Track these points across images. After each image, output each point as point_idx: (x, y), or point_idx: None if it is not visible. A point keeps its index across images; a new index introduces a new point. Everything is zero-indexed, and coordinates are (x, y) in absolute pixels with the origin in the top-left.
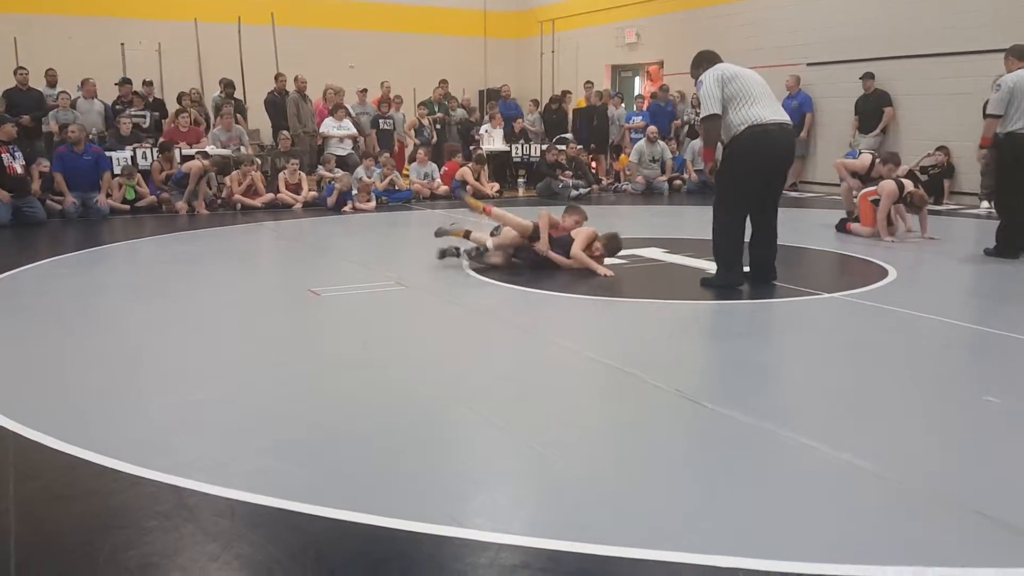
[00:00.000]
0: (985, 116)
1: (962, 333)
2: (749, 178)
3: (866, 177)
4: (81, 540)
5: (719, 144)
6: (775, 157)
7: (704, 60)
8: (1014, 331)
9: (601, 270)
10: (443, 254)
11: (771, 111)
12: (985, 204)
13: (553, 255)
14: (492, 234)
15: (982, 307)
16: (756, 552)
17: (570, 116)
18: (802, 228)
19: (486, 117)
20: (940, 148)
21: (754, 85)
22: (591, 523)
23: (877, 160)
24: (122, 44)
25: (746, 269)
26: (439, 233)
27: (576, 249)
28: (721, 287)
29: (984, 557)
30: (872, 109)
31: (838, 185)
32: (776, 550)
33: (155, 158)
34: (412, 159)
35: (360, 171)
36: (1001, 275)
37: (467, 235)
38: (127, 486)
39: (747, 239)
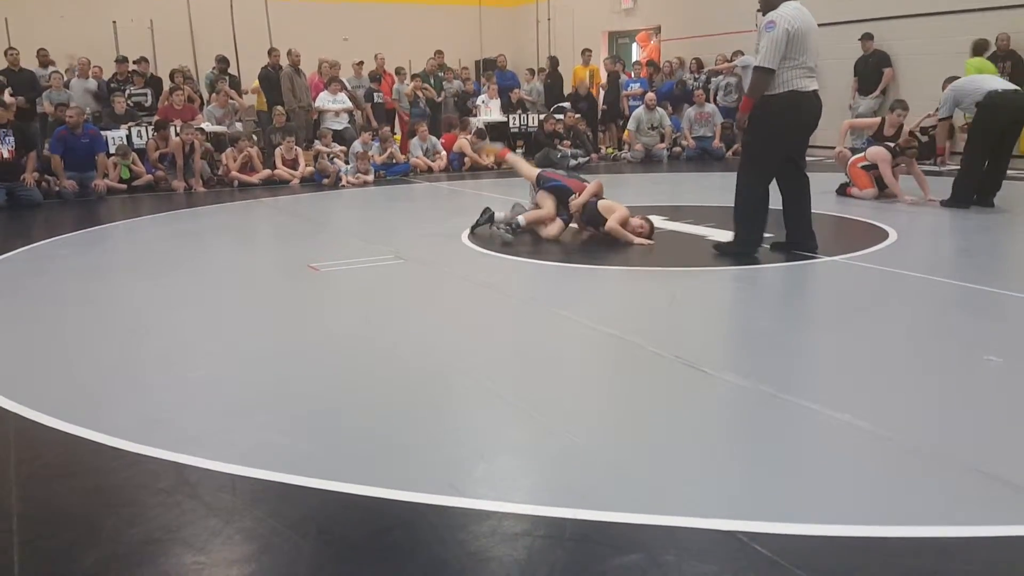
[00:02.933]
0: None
1: (963, 293)
2: (779, 142)
3: (879, 136)
4: (84, 517)
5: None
6: (807, 123)
7: None
8: (1015, 290)
9: (639, 240)
10: (480, 223)
11: (812, 79)
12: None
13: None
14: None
15: (983, 267)
16: (756, 515)
17: (567, 84)
18: None
19: (482, 88)
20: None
21: (809, 47)
22: (592, 490)
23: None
24: (114, 22)
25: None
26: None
27: (613, 224)
28: (737, 253)
29: (984, 515)
30: (871, 70)
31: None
32: (776, 512)
33: (151, 136)
34: (412, 134)
35: (357, 145)
36: (1000, 234)
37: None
38: (128, 463)
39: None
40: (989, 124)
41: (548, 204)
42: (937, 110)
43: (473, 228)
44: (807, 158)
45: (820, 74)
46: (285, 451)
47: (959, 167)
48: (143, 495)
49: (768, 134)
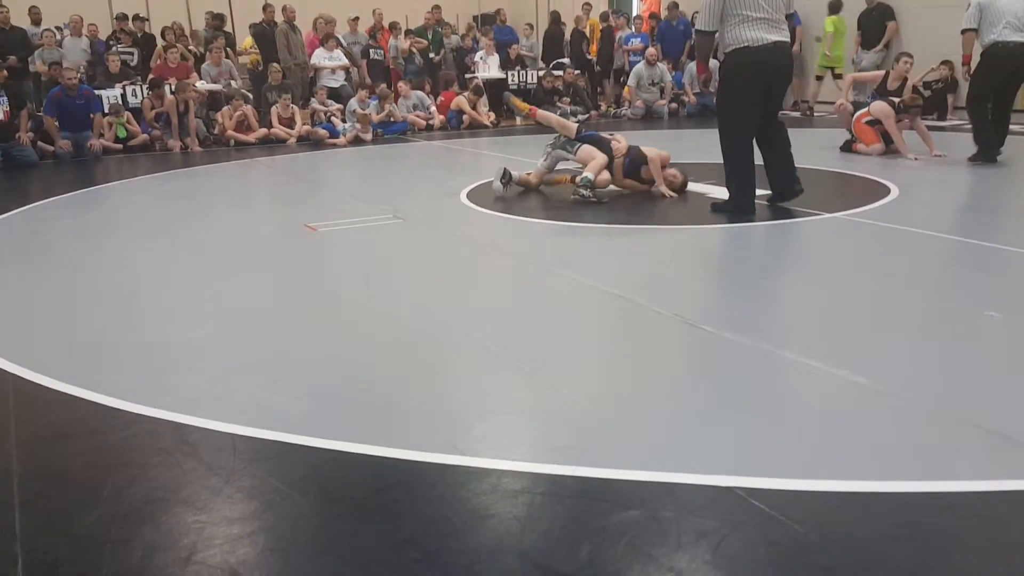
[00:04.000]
0: (961, 32)
1: (964, 249)
2: (743, 98)
3: (883, 89)
4: (84, 478)
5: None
6: (767, 75)
7: None
8: (1016, 245)
9: (664, 189)
10: (503, 182)
11: (767, 30)
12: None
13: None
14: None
15: (984, 222)
16: (754, 471)
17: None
18: (802, 148)
19: (480, 44)
20: (944, 62)
21: (751, 1)
22: (592, 447)
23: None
24: None
25: (763, 194)
26: (504, 181)
27: (654, 154)
28: (732, 212)
29: (982, 470)
30: (875, 24)
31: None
32: (774, 468)
33: (145, 95)
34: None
35: (353, 103)
36: (1003, 189)
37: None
38: (128, 424)
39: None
40: (989, 74)
41: (595, 152)
42: (942, 64)
43: (501, 182)
44: (800, 111)
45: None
46: (285, 411)
47: (971, 123)
48: (143, 455)
49: (732, 92)
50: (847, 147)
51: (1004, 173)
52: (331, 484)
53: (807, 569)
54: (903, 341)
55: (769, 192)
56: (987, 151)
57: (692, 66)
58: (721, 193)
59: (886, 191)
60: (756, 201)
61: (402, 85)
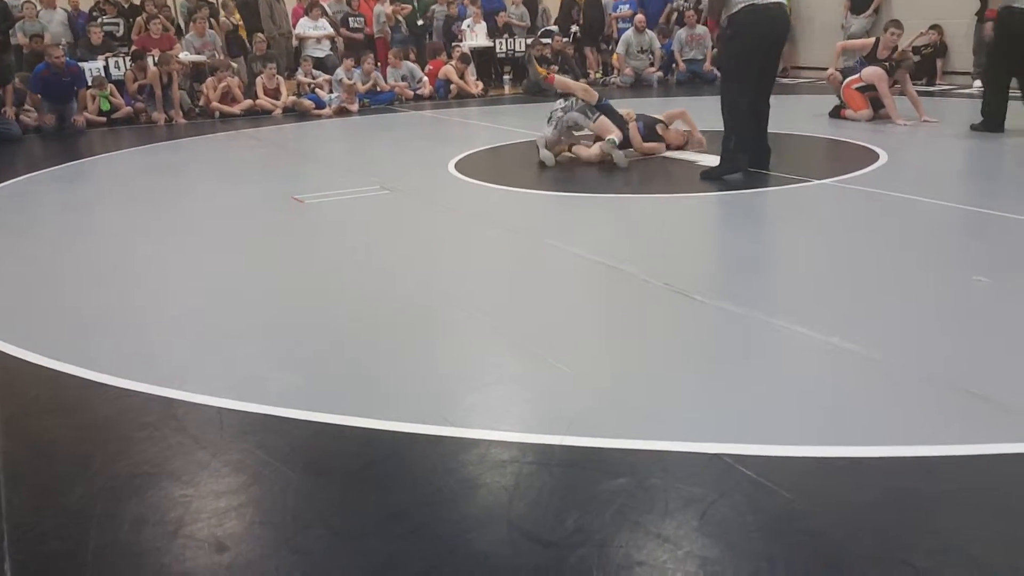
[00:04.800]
0: None
1: (951, 214)
2: (749, 57)
3: (872, 57)
4: (70, 452)
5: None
6: (771, 32)
7: None
8: (1003, 210)
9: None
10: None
11: None
12: (978, 83)
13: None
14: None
15: (971, 187)
16: (742, 438)
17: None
18: (792, 114)
19: (467, 12)
20: (933, 27)
21: None
22: (581, 416)
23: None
24: None
25: None
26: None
27: (675, 111)
28: (725, 171)
29: (973, 434)
30: None
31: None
32: (762, 435)
33: (128, 67)
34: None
35: (340, 72)
36: (990, 154)
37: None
38: (114, 398)
39: None
40: (1002, 43)
41: (611, 125)
42: (931, 28)
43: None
44: (796, 80)
45: None
46: (273, 384)
47: (983, 88)
48: (129, 429)
49: (737, 51)
50: (836, 113)
51: (994, 138)
52: (319, 457)
53: (793, 535)
54: (893, 307)
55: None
56: (992, 123)
57: (681, 33)
58: (709, 160)
59: (875, 157)
60: (762, 170)
61: (391, 56)
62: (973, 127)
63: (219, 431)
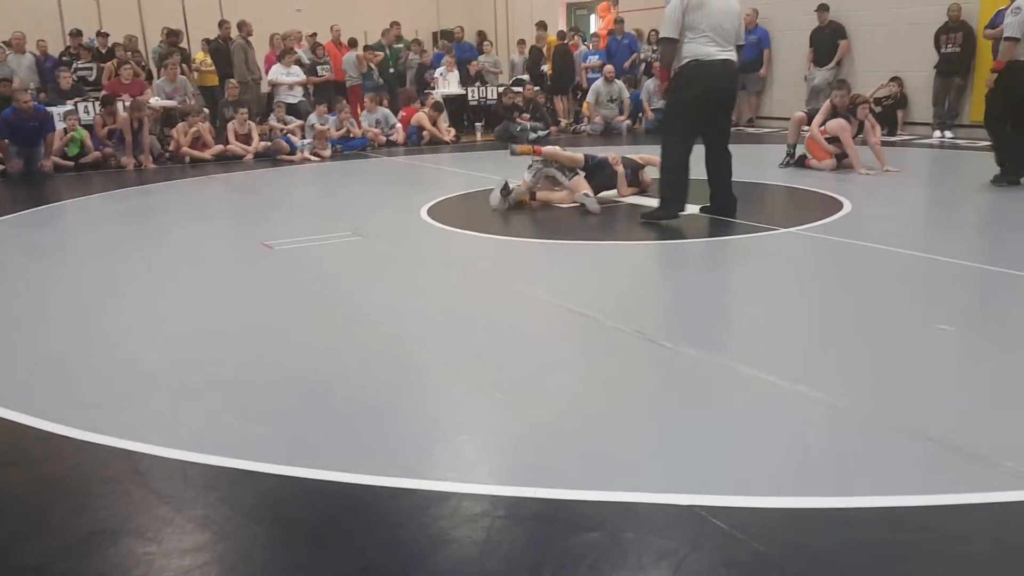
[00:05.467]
0: (1005, 39)
1: (914, 263)
2: (690, 110)
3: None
4: (29, 508)
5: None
6: (715, 91)
7: None
8: (966, 259)
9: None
10: (504, 195)
11: (719, 48)
12: (938, 133)
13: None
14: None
15: (934, 236)
16: (714, 489)
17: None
18: (758, 163)
19: (441, 60)
20: (893, 79)
21: (711, 20)
22: (553, 468)
23: (832, 99)
24: None
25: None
26: (504, 193)
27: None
28: (660, 219)
29: (941, 484)
30: (827, 42)
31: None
32: (734, 486)
33: (97, 112)
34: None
35: (313, 118)
36: (953, 204)
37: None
38: (75, 451)
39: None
40: (1007, 91)
41: (581, 183)
42: (891, 80)
43: (501, 194)
44: (761, 129)
45: (776, 45)
46: (238, 435)
47: (990, 142)
48: (91, 484)
49: (679, 103)
50: (800, 162)
51: (957, 187)
52: (286, 511)
53: None
54: (859, 355)
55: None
56: (1011, 174)
57: (650, 83)
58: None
59: (839, 206)
60: (728, 218)
61: (368, 100)
62: (993, 181)
63: (183, 485)
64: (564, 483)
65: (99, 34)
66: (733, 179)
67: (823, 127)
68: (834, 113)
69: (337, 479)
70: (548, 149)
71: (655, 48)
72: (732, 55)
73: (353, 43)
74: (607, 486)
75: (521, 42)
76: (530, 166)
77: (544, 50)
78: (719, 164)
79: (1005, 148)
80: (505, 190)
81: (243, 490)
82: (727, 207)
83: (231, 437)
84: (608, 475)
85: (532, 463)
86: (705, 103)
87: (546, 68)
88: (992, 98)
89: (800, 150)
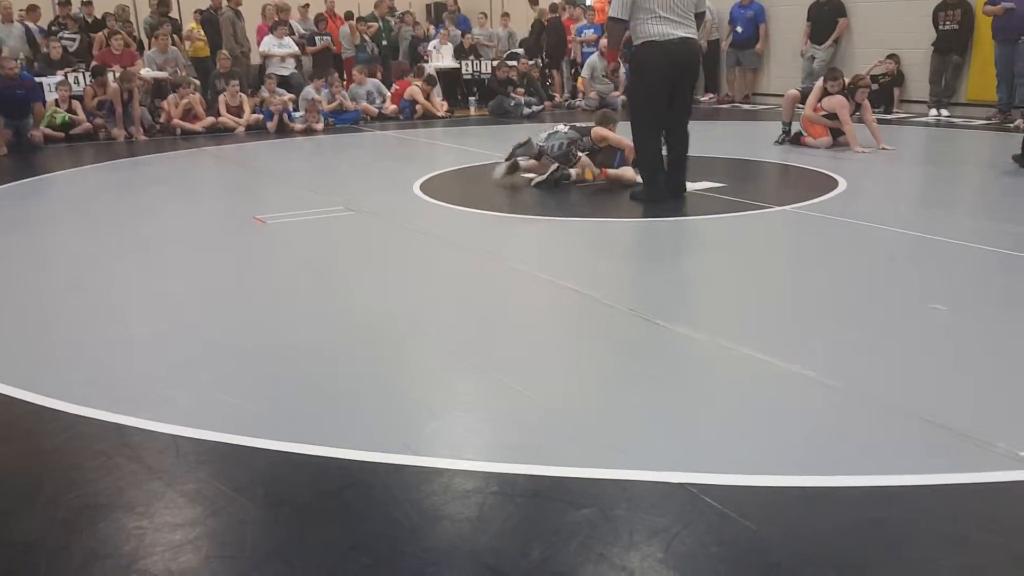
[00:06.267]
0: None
1: (909, 242)
2: (651, 91)
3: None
4: (19, 483)
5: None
6: (673, 68)
7: None
8: (960, 238)
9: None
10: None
11: (674, 26)
12: (934, 112)
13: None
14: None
15: (929, 215)
16: (706, 467)
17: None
18: (754, 140)
19: (434, 32)
20: (890, 56)
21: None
22: (545, 445)
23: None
24: None
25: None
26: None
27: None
28: (646, 200)
29: (929, 463)
30: (826, 18)
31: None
32: (726, 464)
33: (88, 83)
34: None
35: (309, 90)
36: (949, 183)
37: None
38: (66, 426)
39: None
40: None
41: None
42: (888, 57)
43: (512, 156)
44: (758, 105)
45: (773, 20)
46: (230, 410)
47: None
48: (82, 458)
49: (639, 83)
50: (796, 140)
51: (952, 166)
52: (278, 487)
53: (758, 566)
54: (853, 334)
55: (717, 184)
56: None
57: (593, 58)
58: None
59: (835, 184)
60: (704, 193)
61: (356, 73)
62: (1015, 158)
63: (175, 460)
64: (556, 460)
65: (84, 3)
66: (726, 156)
67: (820, 104)
68: (825, 95)
69: (329, 455)
70: (617, 140)
71: None
72: (691, 31)
73: (349, 16)
74: (599, 463)
75: (505, 15)
76: (555, 133)
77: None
78: (672, 147)
79: None
80: (513, 166)
81: (234, 465)
82: (674, 190)
83: (223, 412)
84: (600, 452)
85: (525, 440)
86: (665, 83)
87: (519, 50)
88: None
89: (795, 127)
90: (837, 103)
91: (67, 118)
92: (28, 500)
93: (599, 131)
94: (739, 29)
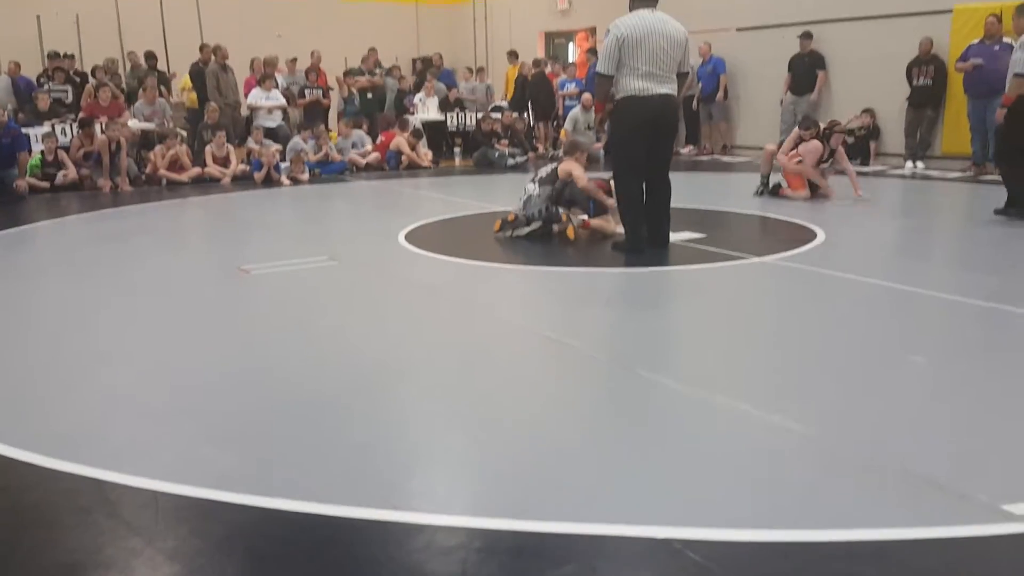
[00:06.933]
0: (1014, 76)
1: (886, 293)
2: (630, 142)
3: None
4: None
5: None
6: (650, 124)
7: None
8: (938, 290)
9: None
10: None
11: (655, 83)
12: (910, 164)
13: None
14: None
15: (906, 267)
16: (689, 521)
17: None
18: (733, 192)
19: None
20: (866, 110)
21: (647, 55)
22: (529, 499)
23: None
24: (38, 16)
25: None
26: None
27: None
28: (628, 251)
29: (909, 517)
30: (806, 70)
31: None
32: (709, 518)
33: (75, 134)
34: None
35: (297, 141)
36: (925, 234)
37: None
38: (45, 480)
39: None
40: (1018, 125)
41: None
42: (864, 112)
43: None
44: (736, 158)
45: (750, 76)
46: (211, 465)
47: (1000, 171)
48: (61, 514)
49: (619, 136)
50: (775, 191)
51: (929, 217)
52: (258, 544)
53: None
54: (832, 385)
55: (698, 234)
56: (1014, 205)
57: (575, 111)
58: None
59: (812, 235)
60: (685, 243)
61: (342, 126)
62: (997, 212)
63: (154, 516)
64: (540, 515)
65: (64, 56)
66: (706, 207)
67: (796, 150)
68: (798, 142)
69: (310, 510)
70: (595, 222)
71: None
72: (671, 88)
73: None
74: (582, 518)
75: (480, 70)
76: (527, 201)
77: (509, 79)
78: (655, 198)
79: (1018, 180)
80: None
81: (215, 521)
82: (657, 240)
83: (204, 466)
84: (584, 507)
85: (508, 494)
86: (642, 135)
87: (504, 102)
88: (1004, 133)
89: (777, 179)
90: (808, 149)
91: (37, 161)
92: (5, 557)
93: (564, 167)
94: (701, 84)
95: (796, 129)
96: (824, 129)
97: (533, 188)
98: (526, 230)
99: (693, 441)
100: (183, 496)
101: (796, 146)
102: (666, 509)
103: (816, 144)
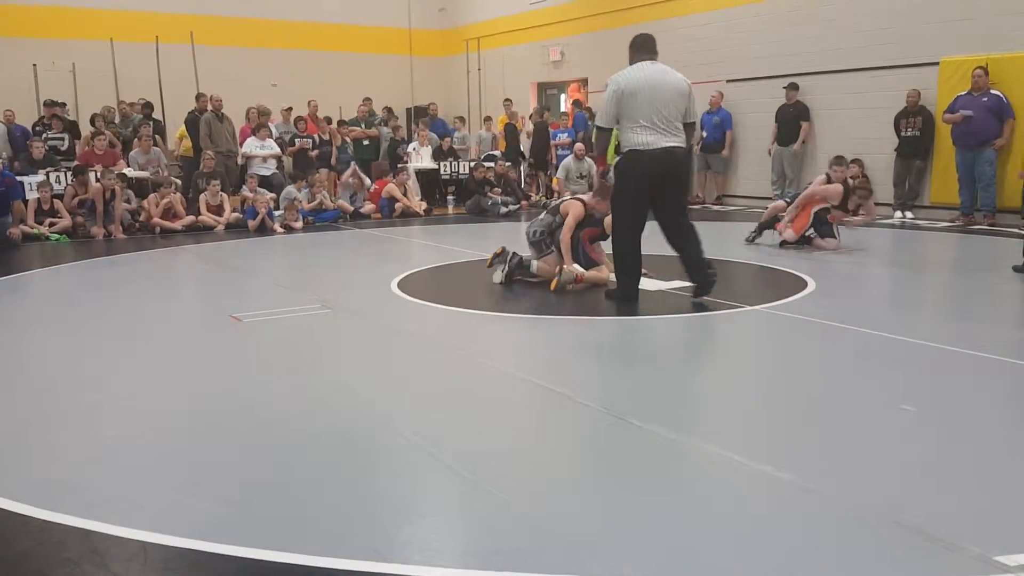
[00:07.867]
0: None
1: (878, 342)
2: (633, 199)
3: (843, 205)
4: None
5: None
6: (656, 177)
7: (633, 50)
8: (928, 339)
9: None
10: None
11: (658, 136)
12: (899, 214)
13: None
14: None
15: (897, 317)
16: (680, 571)
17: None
18: (725, 241)
19: (414, 135)
20: (854, 161)
21: (647, 107)
22: (519, 550)
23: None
24: (34, 65)
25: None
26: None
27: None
28: (621, 299)
29: (907, 569)
30: (792, 121)
31: (760, 199)
32: (701, 569)
33: (69, 182)
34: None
35: (292, 190)
36: (914, 284)
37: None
38: (33, 531)
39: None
40: None
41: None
42: (852, 162)
43: (493, 265)
44: (728, 207)
45: (739, 127)
46: (199, 516)
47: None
48: (48, 566)
49: (622, 190)
50: (770, 224)
51: (916, 267)
52: None
53: None
54: (824, 434)
55: (689, 284)
56: None
57: (568, 160)
58: (645, 283)
59: (803, 284)
60: (678, 292)
61: (346, 175)
62: (1016, 268)
63: (142, 567)
64: (530, 567)
65: (55, 103)
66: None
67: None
68: (828, 182)
69: (299, 562)
70: (590, 274)
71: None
72: (676, 141)
73: (329, 120)
74: (572, 569)
75: (488, 119)
76: (535, 220)
77: (499, 128)
78: (681, 237)
79: None
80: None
81: (203, 572)
82: (703, 284)
83: (192, 517)
84: (574, 558)
85: (498, 545)
86: (646, 191)
87: (497, 153)
88: None
89: (768, 236)
90: (833, 191)
91: (65, 239)
92: None
93: (566, 206)
94: (704, 134)
95: (824, 175)
96: (855, 184)
97: (543, 214)
98: (516, 259)
99: (685, 491)
100: (172, 547)
101: (805, 207)
102: (658, 560)
103: (838, 188)
